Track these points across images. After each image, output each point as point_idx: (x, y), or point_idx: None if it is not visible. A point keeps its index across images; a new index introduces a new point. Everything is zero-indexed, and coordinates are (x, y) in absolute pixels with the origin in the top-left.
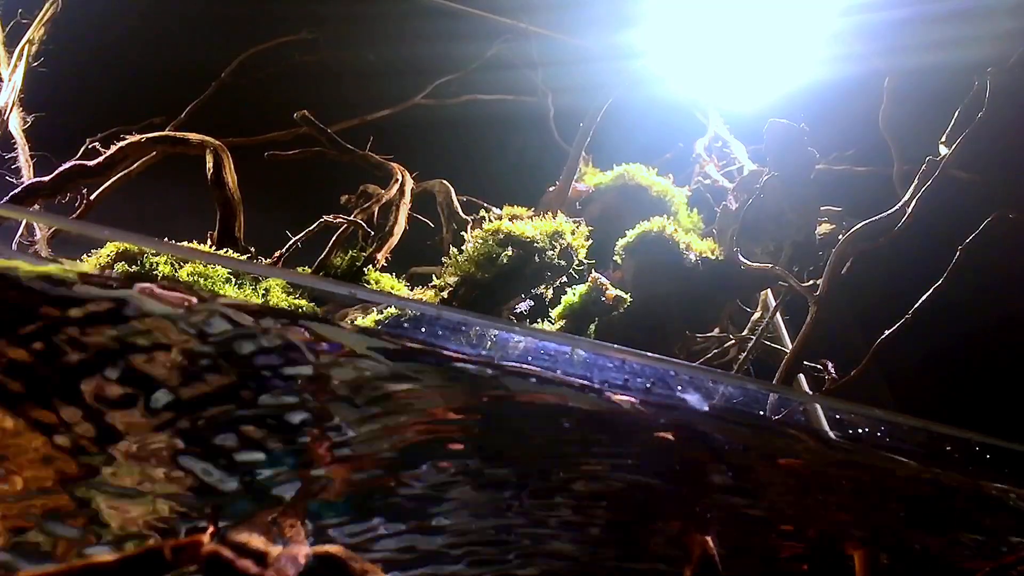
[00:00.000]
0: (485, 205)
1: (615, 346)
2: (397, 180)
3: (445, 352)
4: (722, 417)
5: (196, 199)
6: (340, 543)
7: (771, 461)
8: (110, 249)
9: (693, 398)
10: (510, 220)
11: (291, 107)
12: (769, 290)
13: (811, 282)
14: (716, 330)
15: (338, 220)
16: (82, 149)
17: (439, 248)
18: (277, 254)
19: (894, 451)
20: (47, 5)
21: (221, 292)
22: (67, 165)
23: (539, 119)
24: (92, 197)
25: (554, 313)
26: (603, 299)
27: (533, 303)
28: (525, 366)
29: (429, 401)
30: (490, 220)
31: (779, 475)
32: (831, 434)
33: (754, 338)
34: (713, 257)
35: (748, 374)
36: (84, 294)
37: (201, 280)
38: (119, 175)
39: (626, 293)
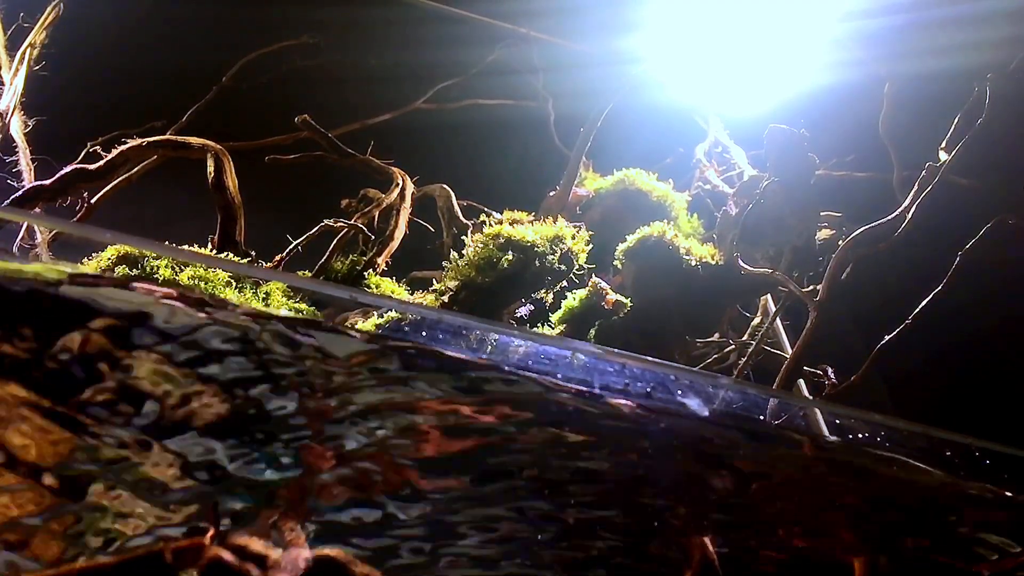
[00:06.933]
0: (486, 209)
1: (615, 350)
2: (398, 184)
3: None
4: (722, 422)
5: (197, 203)
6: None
7: (770, 466)
8: (111, 252)
9: (693, 402)
10: (511, 224)
11: (292, 111)
12: (769, 295)
13: (811, 287)
14: (716, 335)
15: (339, 224)
16: (83, 153)
17: (440, 252)
18: (278, 258)
19: (894, 455)
20: (49, 9)
21: (222, 295)
22: (68, 169)
23: (540, 124)
24: (93, 200)
25: (554, 317)
26: (603, 304)
27: (533, 307)
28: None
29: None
30: (491, 224)
31: (779, 480)
32: (831, 438)
33: (754, 343)
34: (713, 262)
35: (748, 379)
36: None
37: (202, 284)
38: (120, 179)
39: (626, 298)
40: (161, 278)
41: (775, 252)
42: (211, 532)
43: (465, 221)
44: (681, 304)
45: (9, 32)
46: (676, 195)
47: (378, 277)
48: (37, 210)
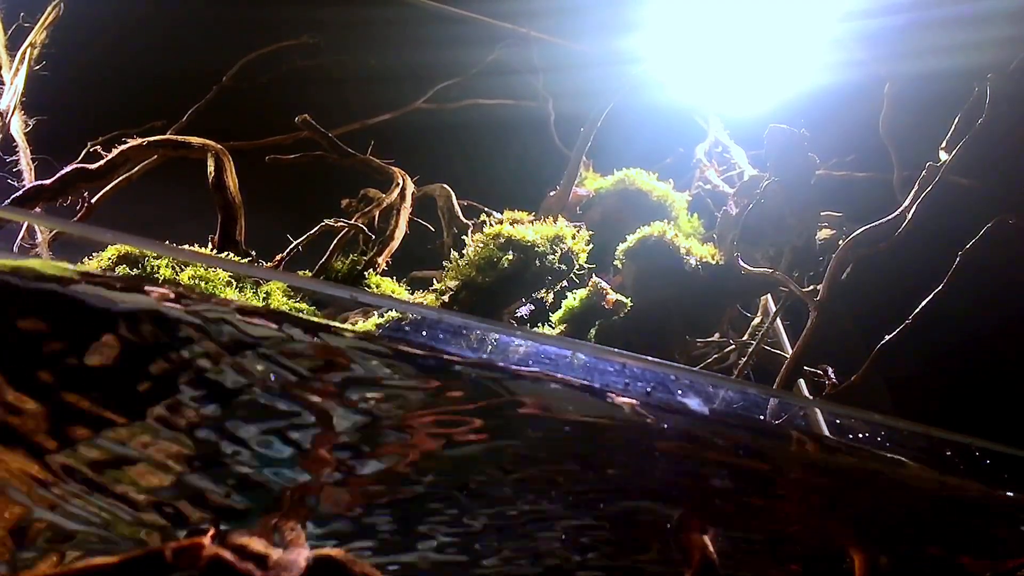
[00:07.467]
0: (486, 209)
1: (616, 350)
2: (398, 184)
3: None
4: (722, 421)
5: (197, 203)
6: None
7: (770, 466)
8: (111, 252)
9: (693, 402)
10: (511, 224)
11: (292, 111)
12: (769, 295)
13: (811, 287)
14: (716, 335)
15: (339, 224)
16: (83, 152)
17: (440, 252)
18: (278, 257)
19: (894, 455)
20: (49, 8)
21: (222, 295)
22: (69, 168)
23: (540, 124)
24: (93, 200)
25: (555, 317)
26: (603, 303)
27: (534, 307)
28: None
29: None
30: (491, 224)
31: (778, 479)
32: (831, 438)
33: (754, 343)
34: (713, 262)
35: (748, 379)
36: None
37: (202, 283)
38: (120, 178)
39: (626, 297)
40: (161, 278)
41: (775, 252)
42: (211, 532)
43: (465, 221)
44: (681, 304)
45: (9, 32)
46: (676, 195)
47: (378, 277)
48: (37, 210)
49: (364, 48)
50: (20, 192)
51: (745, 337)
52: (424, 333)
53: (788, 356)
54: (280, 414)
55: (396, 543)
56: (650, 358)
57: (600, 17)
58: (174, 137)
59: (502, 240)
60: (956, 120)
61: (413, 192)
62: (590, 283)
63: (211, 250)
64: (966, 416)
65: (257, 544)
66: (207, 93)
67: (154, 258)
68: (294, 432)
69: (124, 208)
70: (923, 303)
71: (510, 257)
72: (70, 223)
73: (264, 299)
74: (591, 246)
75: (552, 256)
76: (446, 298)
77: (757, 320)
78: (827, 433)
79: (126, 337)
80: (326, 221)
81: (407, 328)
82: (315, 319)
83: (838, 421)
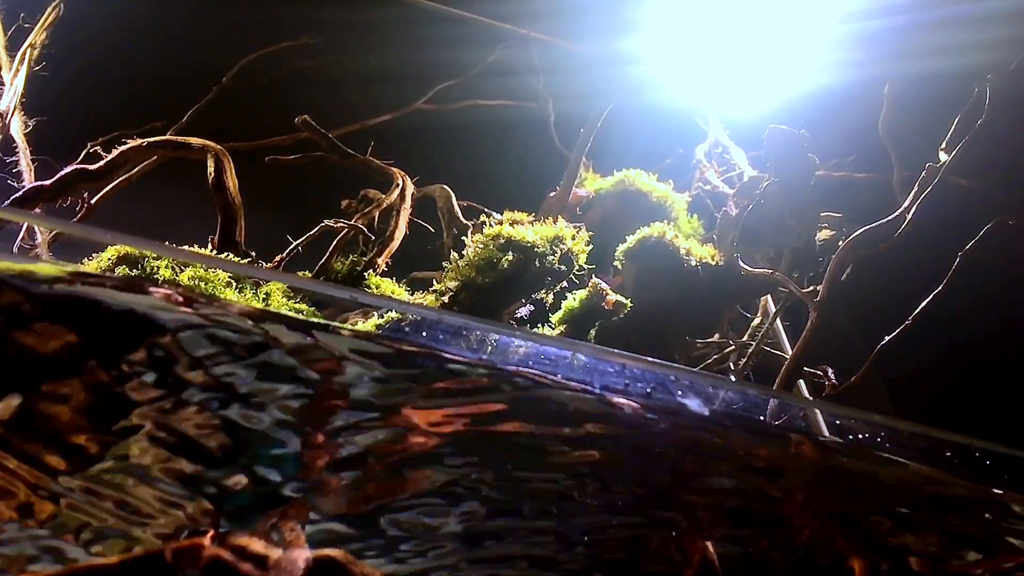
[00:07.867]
0: (486, 210)
1: (616, 351)
2: (398, 185)
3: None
4: (722, 422)
5: (197, 203)
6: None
7: (770, 466)
8: (111, 253)
9: (693, 403)
10: (511, 225)
11: (292, 112)
12: (769, 296)
13: (811, 288)
14: (716, 336)
15: (339, 224)
16: (83, 153)
17: (440, 253)
18: (278, 258)
19: (893, 456)
20: (49, 9)
21: (222, 296)
22: (69, 169)
23: (540, 124)
24: (93, 201)
25: (554, 318)
26: (603, 304)
27: (534, 308)
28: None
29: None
30: (491, 225)
31: (778, 480)
32: (831, 439)
33: (754, 344)
34: (713, 263)
35: (748, 380)
36: None
37: (202, 284)
38: (120, 179)
39: (626, 298)
40: (161, 279)
41: (775, 253)
42: (211, 532)
43: (465, 221)
44: (681, 305)
45: (9, 32)
46: (676, 196)
47: (378, 277)
48: (37, 210)
49: (364, 48)
50: (20, 193)
51: (745, 338)
52: (424, 334)
53: (788, 357)
54: None
55: None
56: (650, 359)
57: (600, 18)
58: (174, 138)
59: (502, 241)
60: (956, 120)
61: (413, 193)
62: (590, 284)
63: (211, 251)
64: (966, 416)
65: (257, 544)
66: (207, 93)
67: (154, 259)
68: None
69: (124, 208)
70: (923, 304)
71: (510, 258)
72: (70, 224)
73: (264, 300)
74: (591, 247)
75: (552, 257)
76: (446, 299)
77: (757, 321)
78: (827, 433)
79: None
80: (326, 222)
81: (407, 329)
82: None
83: (838, 421)
